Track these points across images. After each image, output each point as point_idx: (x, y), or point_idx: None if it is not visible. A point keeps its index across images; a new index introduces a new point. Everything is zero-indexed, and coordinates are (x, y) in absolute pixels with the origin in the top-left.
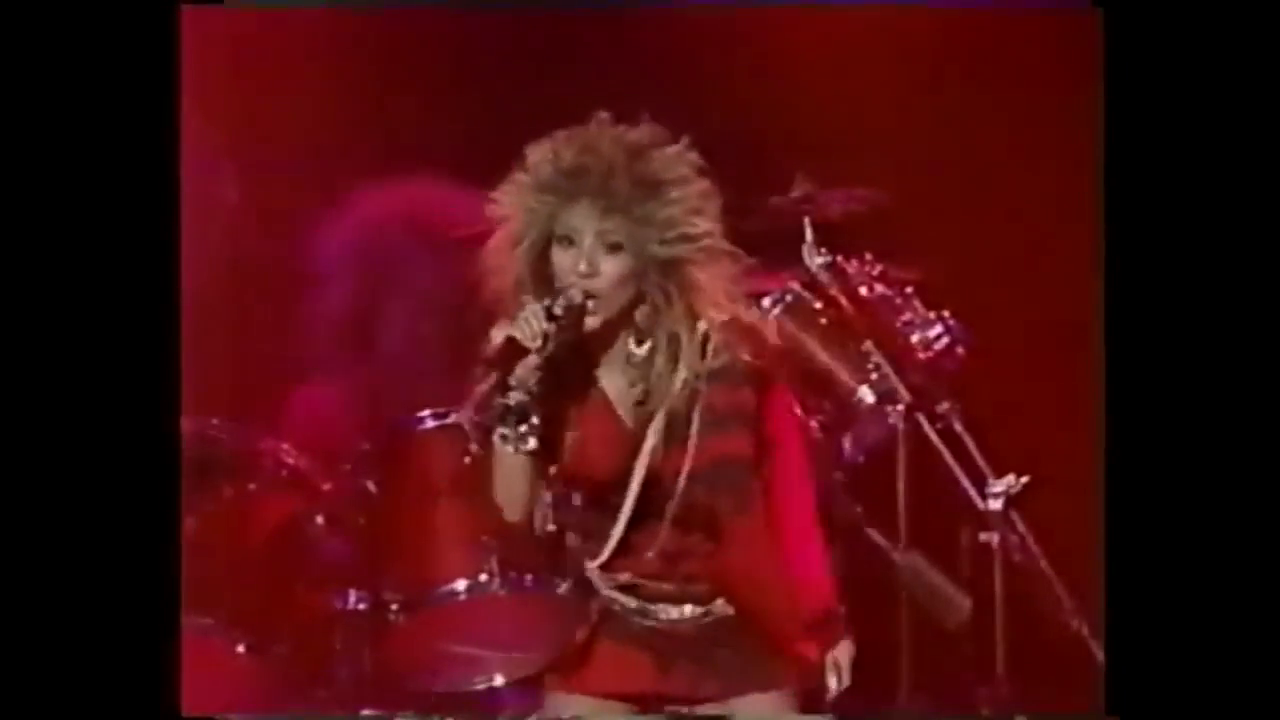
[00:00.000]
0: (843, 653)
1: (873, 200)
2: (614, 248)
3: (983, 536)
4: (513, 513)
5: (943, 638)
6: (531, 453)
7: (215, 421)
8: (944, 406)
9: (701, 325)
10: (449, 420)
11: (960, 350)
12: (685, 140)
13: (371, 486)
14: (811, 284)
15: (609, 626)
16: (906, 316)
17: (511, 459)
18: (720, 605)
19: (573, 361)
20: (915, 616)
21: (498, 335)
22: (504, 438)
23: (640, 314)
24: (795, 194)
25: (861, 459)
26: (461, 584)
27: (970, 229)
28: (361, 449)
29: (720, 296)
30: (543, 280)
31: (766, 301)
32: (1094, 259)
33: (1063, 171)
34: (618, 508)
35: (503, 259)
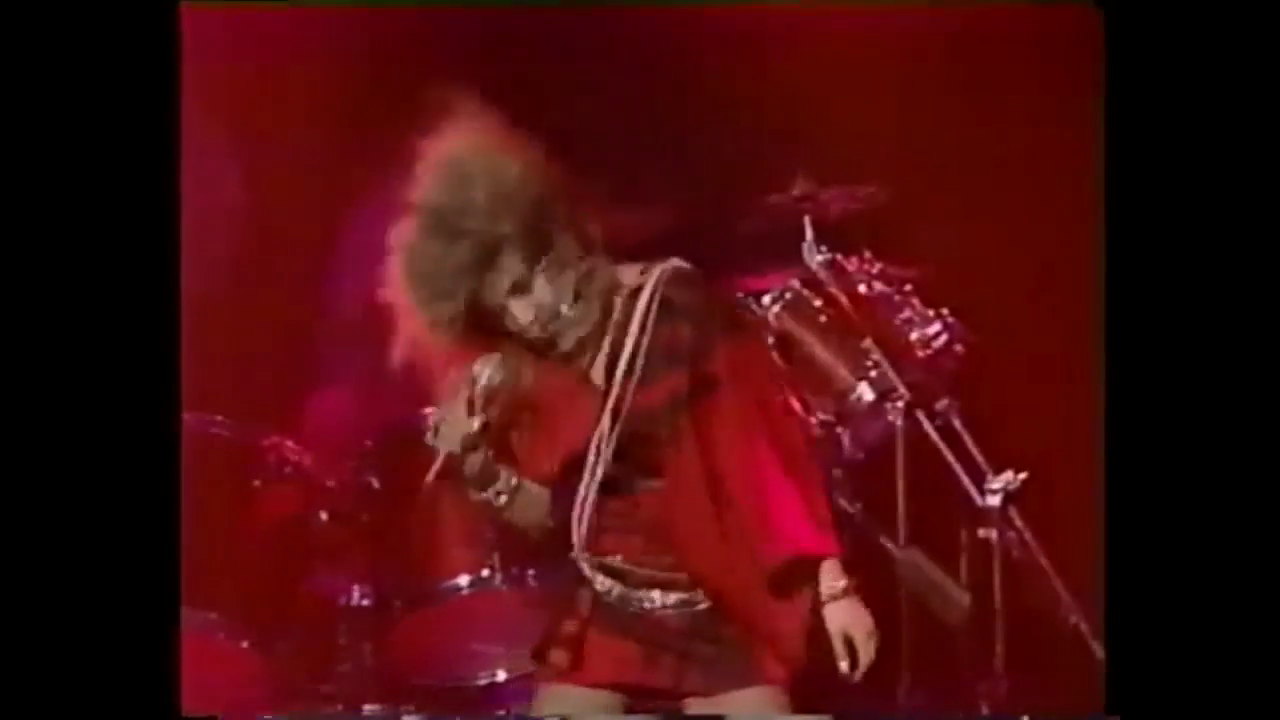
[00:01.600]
0: (853, 624)
1: (872, 198)
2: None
3: (981, 533)
4: (538, 531)
5: (942, 635)
6: (510, 505)
7: (219, 418)
8: (943, 404)
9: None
10: None
11: (959, 348)
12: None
13: (375, 483)
14: (811, 281)
15: (599, 615)
16: (905, 314)
17: (520, 498)
18: (700, 595)
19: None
20: (915, 613)
21: (439, 449)
22: (499, 494)
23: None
24: (795, 192)
25: (861, 456)
26: (464, 579)
27: (969, 227)
28: (365, 446)
29: None
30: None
31: (767, 299)
32: (1093, 257)
33: (1062, 170)
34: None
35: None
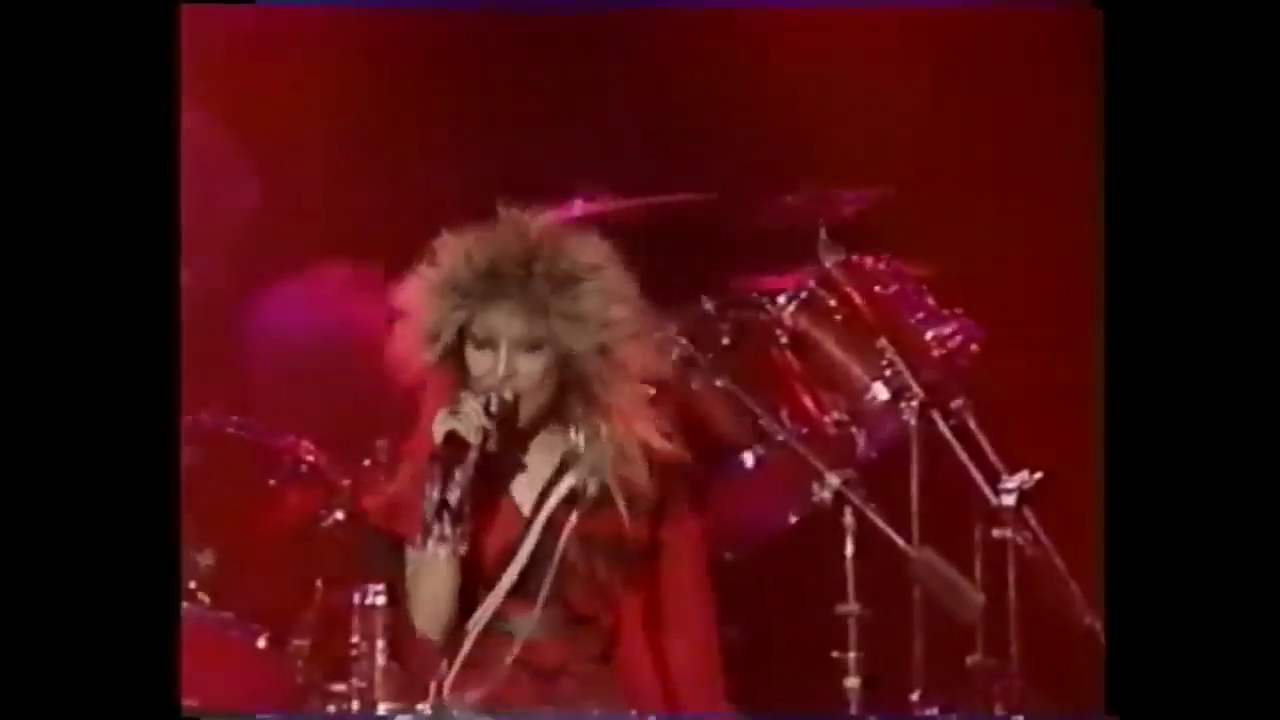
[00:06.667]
0: None
1: (884, 199)
2: (532, 346)
3: (996, 533)
4: (436, 629)
5: (956, 634)
6: (459, 557)
7: (234, 418)
8: (957, 403)
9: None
10: None
11: (973, 347)
12: (595, 230)
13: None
14: (826, 281)
15: None
16: (920, 313)
17: (440, 566)
18: None
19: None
20: (929, 613)
21: (439, 429)
22: (442, 539)
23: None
24: (810, 192)
25: (875, 455)
26: None
27: (983, 226)
28: (378, 445)
29: (632, 400)
30: (456, 378)
31: (782, 299)
32: (1095, 255)
33: (1067, 169)
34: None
35: (411, 354)
